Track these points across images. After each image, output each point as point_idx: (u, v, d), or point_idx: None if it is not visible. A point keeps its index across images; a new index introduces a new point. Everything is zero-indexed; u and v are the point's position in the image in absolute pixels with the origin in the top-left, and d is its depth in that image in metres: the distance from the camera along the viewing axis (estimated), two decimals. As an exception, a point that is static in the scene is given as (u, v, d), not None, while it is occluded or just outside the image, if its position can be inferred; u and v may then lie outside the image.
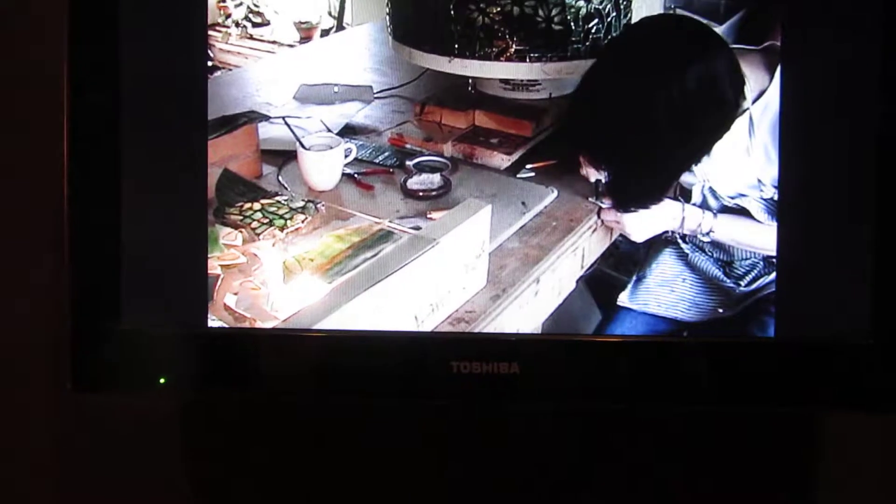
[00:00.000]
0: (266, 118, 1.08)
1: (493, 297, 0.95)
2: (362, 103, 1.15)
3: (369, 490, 1.04)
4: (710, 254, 1.00)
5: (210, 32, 0.92)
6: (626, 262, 1.02)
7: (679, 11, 1.01)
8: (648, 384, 0.86)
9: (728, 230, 0.97)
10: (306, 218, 0.99)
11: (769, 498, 1.01)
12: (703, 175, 0.98)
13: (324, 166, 1.06)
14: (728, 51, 0.93)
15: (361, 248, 0.95)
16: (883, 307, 0.83)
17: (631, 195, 0.98)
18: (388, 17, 1.14)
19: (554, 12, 1.02)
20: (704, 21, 0.97)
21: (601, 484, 1.02)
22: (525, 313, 0.97)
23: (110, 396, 1.00)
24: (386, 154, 1.10)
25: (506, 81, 1.15)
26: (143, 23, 0.87)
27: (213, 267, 0.92)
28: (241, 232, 0.96)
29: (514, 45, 1.05)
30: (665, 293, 0.99)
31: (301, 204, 1.01)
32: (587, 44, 1.03)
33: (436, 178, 1.06)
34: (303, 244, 0.97)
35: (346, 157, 1.07)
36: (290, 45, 1.16)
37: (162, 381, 0.88)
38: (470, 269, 0.95)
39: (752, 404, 0.87)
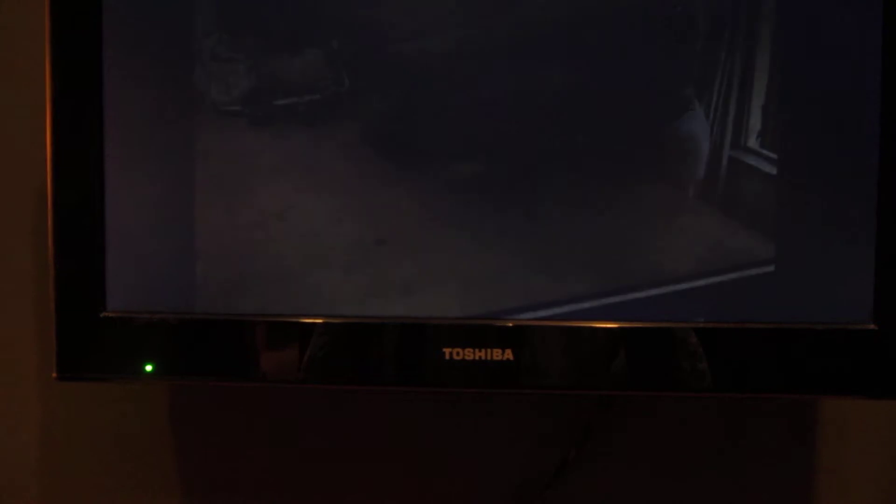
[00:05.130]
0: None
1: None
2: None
3: (360, 477, 1.03)
4: None
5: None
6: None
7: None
8: (645, 371, 0.85)
9: None
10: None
11: (770, 484, 1.00)
12: None
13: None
14: None
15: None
16: (886, 290, 0.82)
17: None
18: None
19: None
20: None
21: (596, 471, 1.01)
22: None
23: (97, 384, 1.00)
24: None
25: None
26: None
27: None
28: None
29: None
30: None
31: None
32: None
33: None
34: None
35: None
36: None
37: (149, 368, 0.87)
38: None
39: (751, 391, 0.85)
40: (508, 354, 0.85)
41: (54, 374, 0.87)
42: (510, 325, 0.87)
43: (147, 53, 0.87)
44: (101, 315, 0.87)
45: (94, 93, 0.86)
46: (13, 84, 1.02)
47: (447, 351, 0.85)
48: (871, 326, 0.82)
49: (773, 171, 0.85)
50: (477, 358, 0.85)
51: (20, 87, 1.01)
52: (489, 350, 0.85)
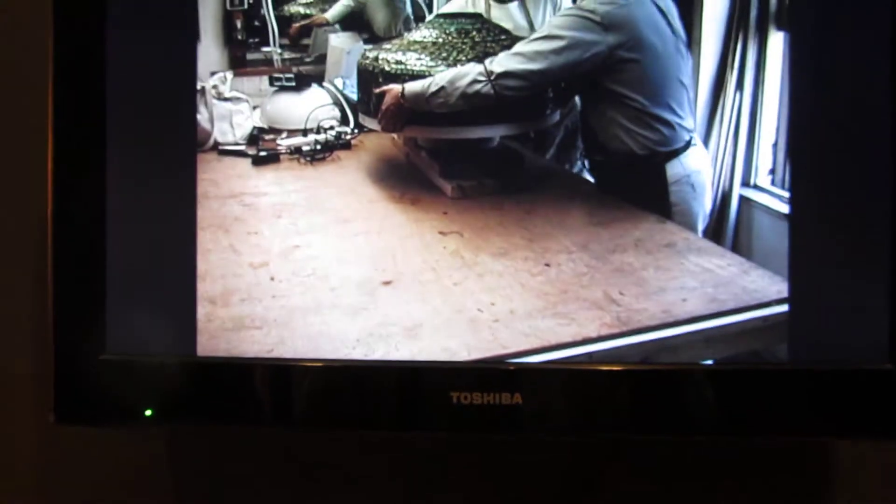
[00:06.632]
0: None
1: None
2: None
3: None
4: None
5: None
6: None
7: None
8: (655, 413, 0.84)
9: None
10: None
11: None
12: None
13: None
14: None
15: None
16: (902, 329, 0.81)
17: None
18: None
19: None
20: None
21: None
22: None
23: (95, 429, 0.98)
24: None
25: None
26: (131, 35, 0.86)
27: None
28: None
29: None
30: None
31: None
32: None
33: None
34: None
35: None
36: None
37: (148, 413, 0.86)
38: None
39: (764, 434, 0.85)
40: (517, 398, 0.84)
41: (52, 418, 0.85)
42: (518, 368, 0.86)
43: (151, 93, 0.87)
44: (101, 357, 0.85)
45: (96, 134, 0.85)
46: (16, 121, 1.02)
47: (455, 395, 0.84)
48: (888, 367, 0.81)
49: (786, 209, 0.85)
50: (485, 402, 0.83)
51: (23, 127, 1.01)
52: (497, 394, 0.84)
